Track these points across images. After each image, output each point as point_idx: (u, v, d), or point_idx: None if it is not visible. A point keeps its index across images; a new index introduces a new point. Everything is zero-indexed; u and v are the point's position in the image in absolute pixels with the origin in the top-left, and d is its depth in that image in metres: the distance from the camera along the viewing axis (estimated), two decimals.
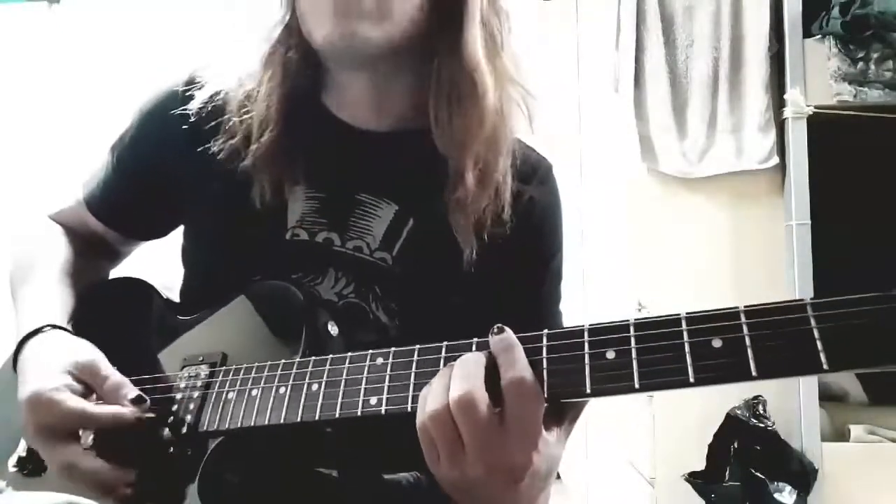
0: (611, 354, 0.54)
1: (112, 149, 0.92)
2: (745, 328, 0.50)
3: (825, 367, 0.46)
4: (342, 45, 0.74)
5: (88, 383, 0.71)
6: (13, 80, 2.86)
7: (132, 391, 0.70)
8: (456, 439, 0.55)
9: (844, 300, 0.47)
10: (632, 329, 0.54)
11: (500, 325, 0.58)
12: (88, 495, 0.67)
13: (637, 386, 0.52)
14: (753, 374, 0.49)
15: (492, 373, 0.56)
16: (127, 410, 0.69)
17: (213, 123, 0.82)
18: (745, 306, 0.51)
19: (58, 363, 0.72)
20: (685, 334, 0.52)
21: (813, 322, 0.48)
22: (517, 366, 0.55)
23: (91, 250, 0.95)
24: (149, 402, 0.70)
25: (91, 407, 0.68)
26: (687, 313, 0.53)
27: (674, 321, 0.53)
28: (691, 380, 0.50)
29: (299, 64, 0.81)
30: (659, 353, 0.52)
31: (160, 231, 0.96)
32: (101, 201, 0.93)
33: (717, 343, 0.50)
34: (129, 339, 0.81)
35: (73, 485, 0.68)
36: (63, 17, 2.91)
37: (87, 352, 0.74)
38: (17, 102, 2.84)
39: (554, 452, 0.57)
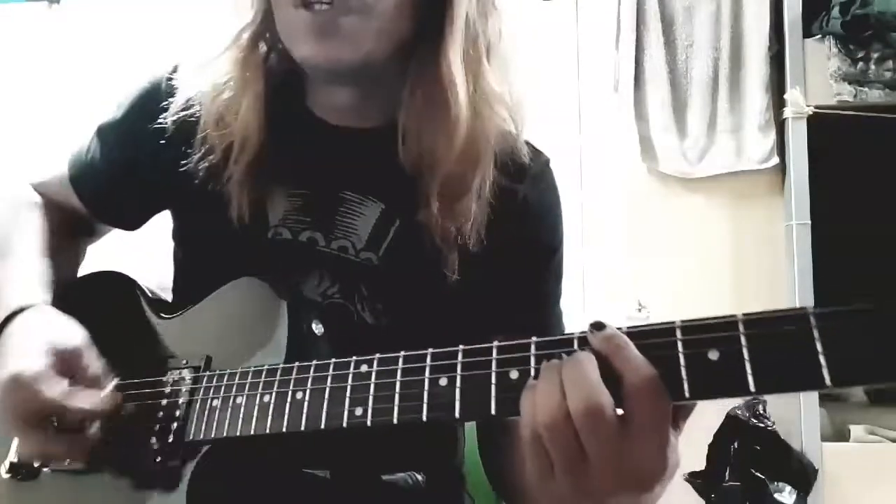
0: None
1: (99, 131, 0.90)
2: (743, 339, 0.47)
3: (828, 382, 0.43)
4: (323, 67, 0.73)
5: (70, 367, 0.72)
6: (13, 80, 2.86)
7: (107, 388, 0.72)
8: (578, 450, 0.50)
9: (849, 310, 0.44)
10: None
11: (598, 321, 0.53)
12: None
13: None
14: (752, 389, 0.46)
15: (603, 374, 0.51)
16: (95, 406, 0.70)
17: (188, 137, 0.80)
18: (744, 314, 0.48)
19: (40, 344, 0.72)
20: (680, 345, 0.49)
21: (816, 334, 0.44)
22: (639, 363, 0.49)
23: (69, 225, 0.93)
24: (121, 400, 0.72)
25: (65, 398, 0.69)
26: (682, 321, 0.50)
27: (668, 330, 0.50)
28: (686, 394, 0.48)
29: (279, 68, 0.79)
30: (653, 365, 0.49)
31: (136, 221, 0.94)
32: (86, 183, 0.91)
33: (713, 355, 0.47)
34: (110, 338, 0.79)
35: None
36: (63, 17, 2.91)
37: (71, 336, 0.74)
38: (17, 102, 2.84)
39: (677, 459, 0.52)
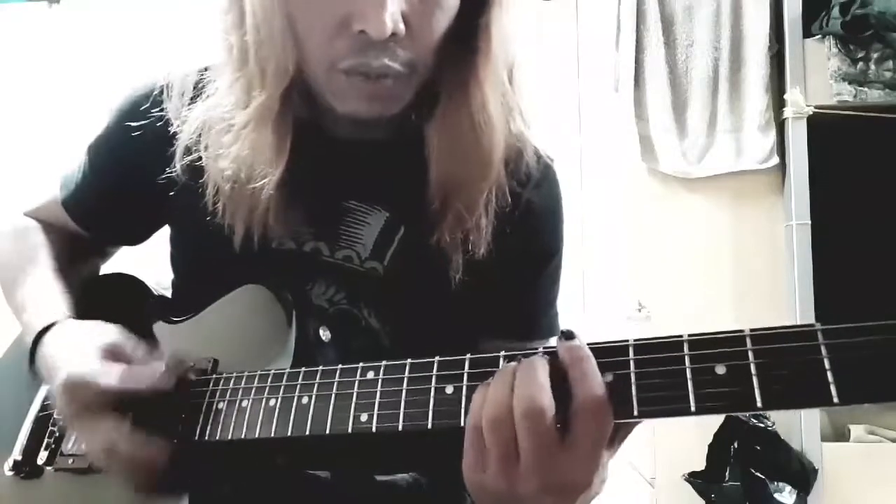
0: (609, 377, 0.51)
1: (88, 149, 0.89)
2: (750, 355, 0.47)
3: (835, 400, 0.43)
4: (365, 119, 0.74)
5: (117, 359, 0.71)
6: (13, 80, 2.86)
7: (161, 366, 0.71)
8: (513, 449, 0.51)
9: (858, 328, 0.44)
10: (631, 351, 0.51)
11: (569, 329, 0.53)
12: (122, 482, 0.68)
13: (636, 413, 0.49)
14: (759, 405, 0.46)
15: (554, 381, 0.52)
16: (161, 378, 0.70)
17: (194, 175, 0.78)
18: (752, 330, 0.48)
19: (81, 345, 0.72)
20: (687, 359, 0.49)
21: (823, 351, 0.44)
22: (593, 380, 0.50)
23: (75, 247, 0.93)
24: (183, 370, 0.71)
25: (125, 383, 0.69)
26: (689, 335, 0.49)
27: (675, 344, 0.50)
28: (692, 409, 0.47)
29: (294, 103, 0.75)
30: (659, 378, 0.49)
31: (138, 236, 0.93)
32: (78, 204, 0.90)
33: (720, 370, 0.47)
34: None
35: (110, 469, 0.68)
36: (63, 17, 2.91)
37: (110, 332, 0.74)
38: (17, 102, 2.84)
39: (605, 476, 0.54)
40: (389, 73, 0.69)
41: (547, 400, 0.50)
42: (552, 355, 0.53)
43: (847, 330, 0.44)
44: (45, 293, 0.83)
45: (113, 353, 0.71)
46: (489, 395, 0.53)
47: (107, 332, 0.74)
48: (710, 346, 0.48)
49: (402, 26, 0.66)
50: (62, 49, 2.85)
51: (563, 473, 0.51)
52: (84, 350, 0.71)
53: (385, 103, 0.72)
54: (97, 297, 0.89)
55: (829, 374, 0.44)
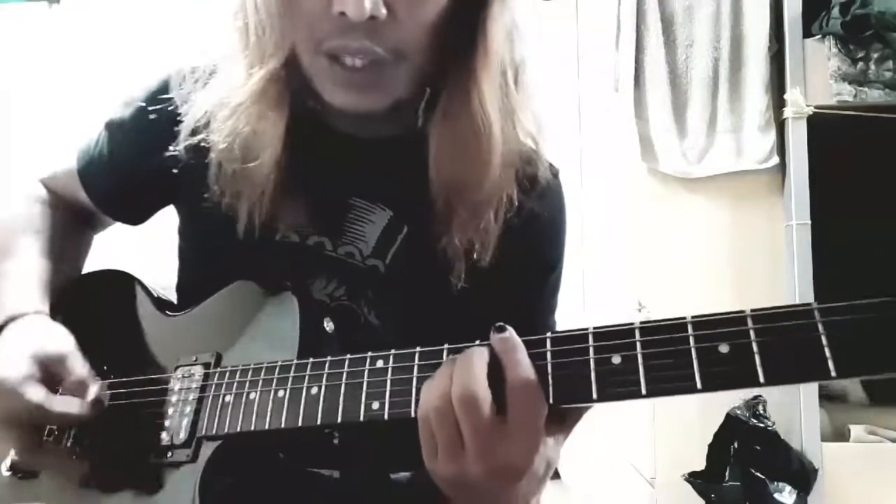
0: (616, 359, 0.52)
1: (107, 125, 0.90)
2: (752, 333, 0.49)
3: (833, 374, 0.46)
4: (354, 112, 0.74)
5: (55, 374, 0.73)
6: (13, 80, 2.86)
7: (91, 393, 0.72)
8: (456, 436, 0.54)
9: (852, 305, 0.46)
10: (637, 333, 0.53)
11: (501, 323, 0.56)
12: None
13: (644, 392, 0.51)
14: (761, 380, 0.48)
15: (494, 371, 0.55)
16: (78, 411, 0.71)
17: (199, 157, 0.79)
18: (752, 310, 0.50)
19: (26, 351, 0.73)
20: (691, 339, 0.51)
21: (821, 328, 0.47)
22: (521, 367, 0.54)
23: (76, 218, 0.94)
24: (105, 404, 0.72)
25: (47, 402, 0.70)
26: (693, 317, 0.52)
27: (680, 325, 0.52)
28: (699, 386, 0.50)
29: (292, 87, 0.76)
30: (665, 358, 0.51)
31: (140, 215, 0.94)
32: (92, 176, 0.91)
33: (723, 348, 0.50)
34: (116, 337, 0.80)
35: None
36: (63, 17, 2.91)
37: (58, 342, 0.75)
38: (17, 102, 2.84)
39: (552, 455, 0.56)
40: (370, 56, 0.69)
41: (481, 387, 0.54)
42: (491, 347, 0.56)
43: (842, 308, 0.47)
44: (27, 276, 0.84)
45: (47, 365, 0.72)
46: (432, 387, 0.56)
47: (53, 342, 0.74)
48: (713, 326, 0.51)
49: (382, 10, 0.67)
50: (62, 49, 2.85)
51: (504, 456, 0.54)
52: (21, 355, 0.72)
53: (369, 95, 0.73)
54: (90, 294, 0.90)
55: (826, 349, 0.46)
